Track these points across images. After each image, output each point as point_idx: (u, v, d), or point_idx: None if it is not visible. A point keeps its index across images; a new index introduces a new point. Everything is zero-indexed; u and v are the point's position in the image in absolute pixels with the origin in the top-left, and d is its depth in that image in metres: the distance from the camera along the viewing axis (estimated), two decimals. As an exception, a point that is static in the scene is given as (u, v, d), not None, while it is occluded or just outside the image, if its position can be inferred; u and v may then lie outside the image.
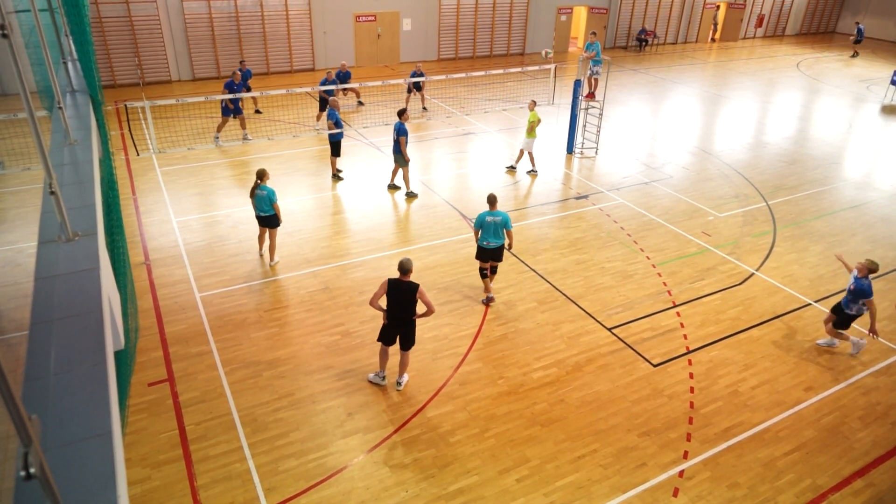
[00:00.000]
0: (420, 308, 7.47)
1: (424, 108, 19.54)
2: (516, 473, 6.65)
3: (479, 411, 7.48)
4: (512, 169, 14.91)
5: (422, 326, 8.98)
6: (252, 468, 6.59)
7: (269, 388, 7.75)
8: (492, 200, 9.25)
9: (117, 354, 3.25)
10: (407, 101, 19.24)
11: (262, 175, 9.95)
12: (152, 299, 9.48)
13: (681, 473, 6.74)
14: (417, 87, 19.22)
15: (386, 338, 7.60)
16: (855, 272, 8.41)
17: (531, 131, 14.17)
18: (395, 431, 7.15)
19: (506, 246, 9.44)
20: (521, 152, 14.67)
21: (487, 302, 9.61)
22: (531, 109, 14.10)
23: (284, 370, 8.07)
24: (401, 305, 7.29)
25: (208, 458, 6.71)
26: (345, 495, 6.31)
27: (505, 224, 9.19)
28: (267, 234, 10.38)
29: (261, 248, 10.74)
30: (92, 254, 3.12)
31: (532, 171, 14.78)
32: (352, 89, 19.75)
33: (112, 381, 2.31)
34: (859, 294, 8.29)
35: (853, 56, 31.38)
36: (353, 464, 6.70)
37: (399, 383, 7.82)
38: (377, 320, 9.07)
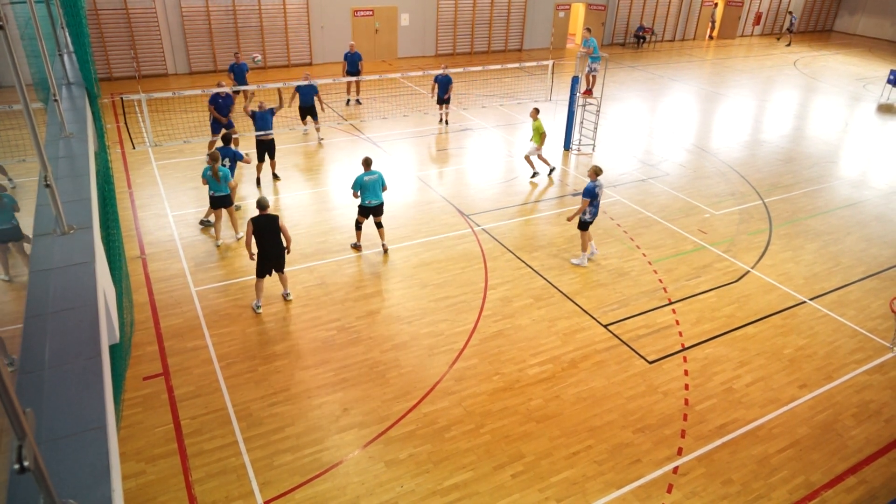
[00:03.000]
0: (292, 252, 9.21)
1: (446, 123, 17.69)
2: (511, 469, 6.66)
3: (474, 407, 7.50)
4: (546, 174, 14.30)
5: (418, 322, 9.00)
6: (247, 463, 6.60)
7: (265, 382, 7.75)
8: (367, 163, 10.23)
9: (112, 348, 3.24)
10: (440, 111, 17.68)
11: (217, 158, 10.43)
12: (148, 293, 9.46)
13: (675, 470, 6.77)
14: (443, 96, 17.02)
15: (264, 271, 8.95)
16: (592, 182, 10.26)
17: (536, 137, 13.56)
18: (391, 427, 7.16)
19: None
20: (528, 158, 14.02)
21: (356, 247, 10.80)
22: (534, 118, 13.51)
23: (280, 365, 8.07)
24: (270, 237, 8.72)
25: (203, 452, 6.71)
26: (340, 490, 6.32)
27: (382, 182, 10.35)
28: (224, 214, 10.96)
29: (217, 238, 10.92)
30: (87, 247, 3.11)
31: (535, 174, 14.18)
32: (356, 82, 18.66)
33: (107, 375, 2.30)
34: (584, 193, 10.28)
35: (779, 40, 33.56)
36: (349, 459, 6.71)
37: (287, 294, 9.36)
38: (373, 315, 9.10)
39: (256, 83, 16.72)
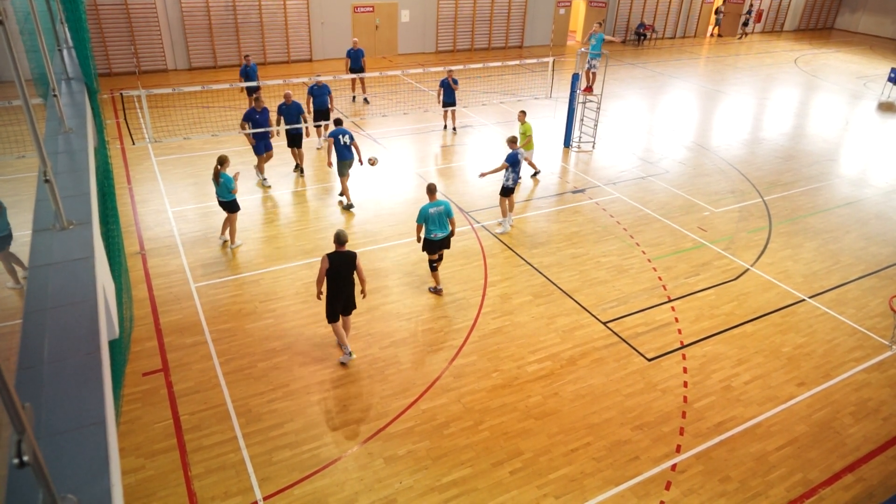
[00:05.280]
0: (359, 288, 7.98)
1: (453, 129, 17.17)
2: (510, 466, 6.68)
3: (473, 404, 7.51)
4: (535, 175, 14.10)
5: (417, 319, 9.00)
6: (246, 458, 6.61)
7: (264, 378, 7.76)
8: (432, 190, 9.21)
9: (112, 344, 3.24)
10: (445, 118, 17.12)
11: (223, 161, 10.09)
12: (147, 289, 9.46)
13: (673, 467, 6.79)
14: (449, 97, 16.33)
15: (334, 315, 7.87)
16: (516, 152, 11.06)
17: (528, 144, 13.22)
18: (390, 423, 7.17)
19: (450, 234, 9.41)
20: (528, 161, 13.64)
21: (436, 291, 9.61)
22: (522, 122, 13.10)
23: (279, 361, 8.07)
24: (343, 276, 7.64)
25: (202, 448, 6.72)
26: (338, 486, 6.33)
27: (448, 213, 9.21)
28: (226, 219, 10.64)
29: (222, 234, 10.83)
30: (86, 243, 3.11)
31: (535, 173, 14.17)
32: (361, 80, 18.39)
33: (106, 370, 2.31)
34: (508, 160, 10.98)
35: (740, 37, 34.44)
36: (347, 455, 6.72)
37: (351, 354, 8.10)
38: (372, 312, 9.09)
39: (259, 80, 16.67)
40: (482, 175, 11.52)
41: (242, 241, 10.86)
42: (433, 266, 9.52)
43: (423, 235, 9.22)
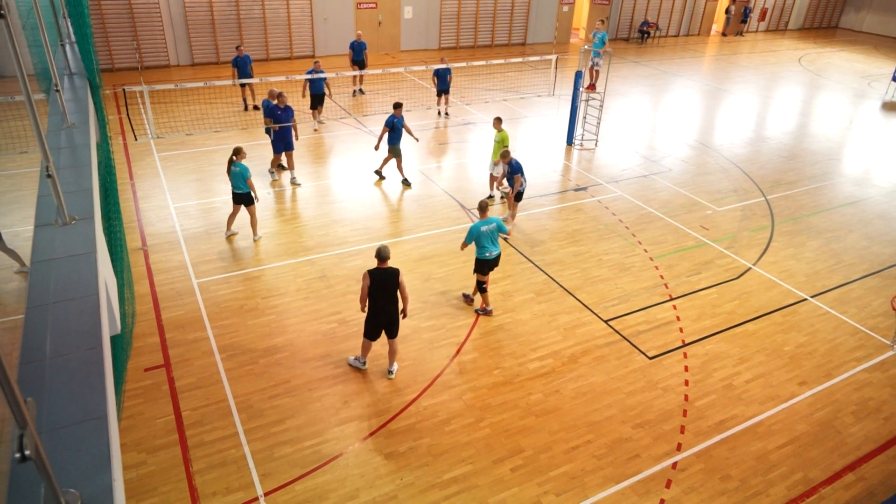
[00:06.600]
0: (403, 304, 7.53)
1: (445, 115, 17.88)
2: (510, 463, 6.68)
3: (474, 401, 7.51)
4: (491, 198, 12.66)
5: (419, 316, 9.00)
6: (247, 454, 6.62)
7: (266, 375, 7.77)
8: (483, 207, 8.70)
9: (113, 339, 3.25)
10: (438, 103, 17.90)
11: (237, 152, 10.21)
12: (149, 285, 9.47)
13: (674, 465, 6.79)
14: (444, 86, 17.20)
15: (374, 332, 7.56)
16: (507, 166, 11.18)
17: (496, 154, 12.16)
18: (391, 420, 7.18)
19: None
20: (493, 179, 12.63)
21: (486, 313, 9.09)
22: (498, 129, 12.35)
23: (281, 357, 8.08)
24: (386, 294, 7.25)
25: (204, 443, 6.73)
26: (339, 482, 6.34)
27: (500, 229, 8.77)
28: (244, 212, 10.75)
29: (228, 229, 10.87)
30: (89, 238, 3.12)
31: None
32: (360, 75, 18.57)
33: (108, 366, 2.31)
34: (515, 172, 11.13)
35: (737, 34, 34.46)
36: (349, 451, 6.73)
37: (391, 372, 7.85)
38: (374, 309, 9.09)
39: (259, 76, 16.69)
40: (505, 189, 11.55)
41: (239, 233, 10.89)
42: (483, 287, 8.94)
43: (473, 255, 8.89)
